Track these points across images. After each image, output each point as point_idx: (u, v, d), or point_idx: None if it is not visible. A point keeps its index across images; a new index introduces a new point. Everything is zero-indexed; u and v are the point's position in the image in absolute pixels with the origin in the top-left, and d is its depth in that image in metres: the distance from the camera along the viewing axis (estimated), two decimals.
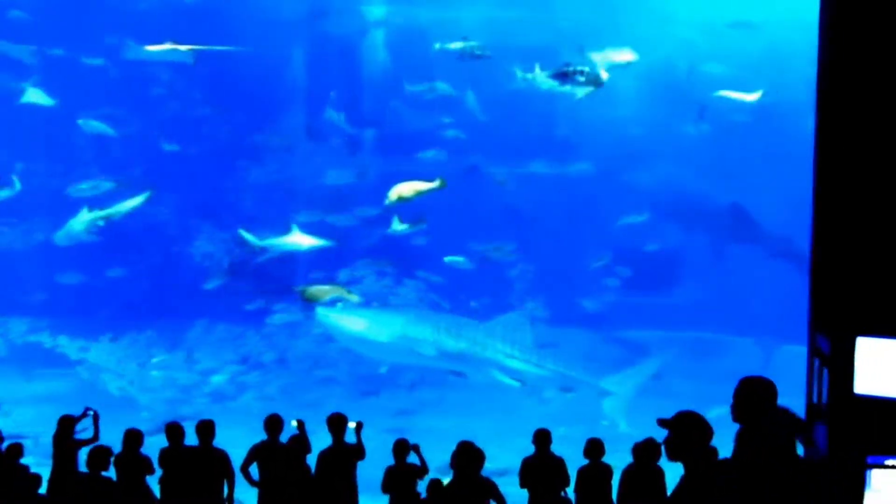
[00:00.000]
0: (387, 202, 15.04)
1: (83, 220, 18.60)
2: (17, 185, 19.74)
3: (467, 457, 8.40)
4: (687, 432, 5.95)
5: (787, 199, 20.12)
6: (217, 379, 19.32)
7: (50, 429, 9.95)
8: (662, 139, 21.63)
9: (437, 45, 18.48)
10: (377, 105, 22.31)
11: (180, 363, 19.70)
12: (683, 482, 6.03)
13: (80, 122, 19.69)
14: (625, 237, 21.32)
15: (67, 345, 19.73)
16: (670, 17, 21.66)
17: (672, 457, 6.01)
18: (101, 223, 18.66)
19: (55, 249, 19.54)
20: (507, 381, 16.92)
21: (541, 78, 16.69)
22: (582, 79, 16.52)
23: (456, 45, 18.38)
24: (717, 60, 20.90)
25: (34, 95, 19.36)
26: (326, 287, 15.88)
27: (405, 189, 14.80)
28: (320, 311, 17.73)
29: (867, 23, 8.96)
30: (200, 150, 21.50)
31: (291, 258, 20.48)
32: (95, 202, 19.02)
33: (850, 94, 9.00)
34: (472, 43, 18.35)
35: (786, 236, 21.65)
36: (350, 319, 17.26)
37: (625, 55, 17.88)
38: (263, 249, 17.22)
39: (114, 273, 20.60)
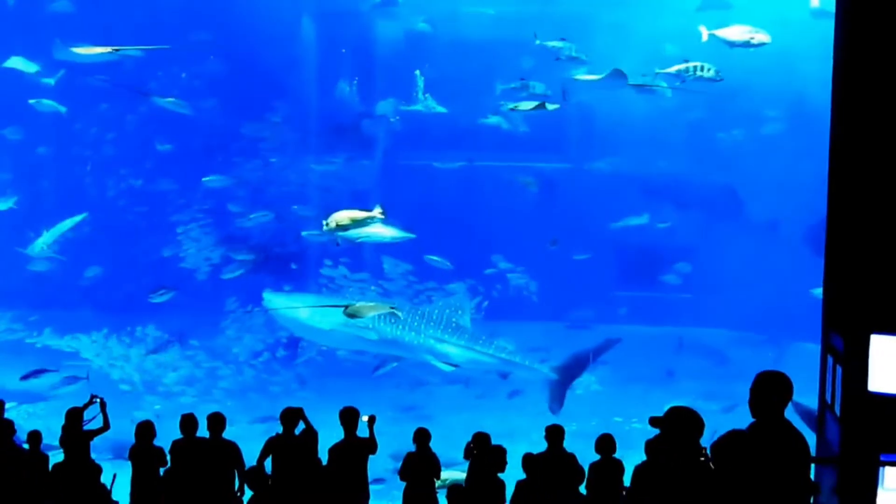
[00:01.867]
0: (325, 228, 15.07)
1: (41, 242, 19.23)
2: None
3: (484, 446, 8.58)
4: (676, 428, 5.96)
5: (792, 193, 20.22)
6: (184, 373, 19.51)
7: (55, 421, 9.94)
8: (680, 137, 21.55)
9: (537, 42, 18.42)
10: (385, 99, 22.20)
11: (168, 358, 19.76)
12: (672, 476, 6.04)
13: (31, 101, 19.60)
14: (631, 233, 21.26)
15: (56, 340, 19.75)
16: (680, 11, 21.55)
17: (668, 452, 6.03)
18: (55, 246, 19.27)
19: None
20: (441, 365, 17.05)
21: (661, 79, 16.95)
22: (701, 74, 16.60)
23: (554, 44, 18.32)
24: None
25: (16, 63, 19.28)
26: (371, 303, 15.89)
27: (342, 217, 14.85)
28: (266, 297, 17.79)
29: (884, 25, 8.95)
30: (194, 147, 21.45)
31: (280, 256, 20.60)
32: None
33: (865, 95, 9.00)
34: (572, 45, 18.32)
35: (772, 222, 21.68)
36: (293, 305, 17.52)
37: (760, 36, 17.57)
38: (346, 240, 17.12)
39: (92, 272, 20.52)
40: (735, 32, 17.35)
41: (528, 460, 9.03)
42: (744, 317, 20.68)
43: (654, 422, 6.35)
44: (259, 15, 21.80)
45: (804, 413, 10.04)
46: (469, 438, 9.38)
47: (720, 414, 14.99)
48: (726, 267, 21.33)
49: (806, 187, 16.46)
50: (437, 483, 9.63)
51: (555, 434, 9.35)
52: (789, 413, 6.03)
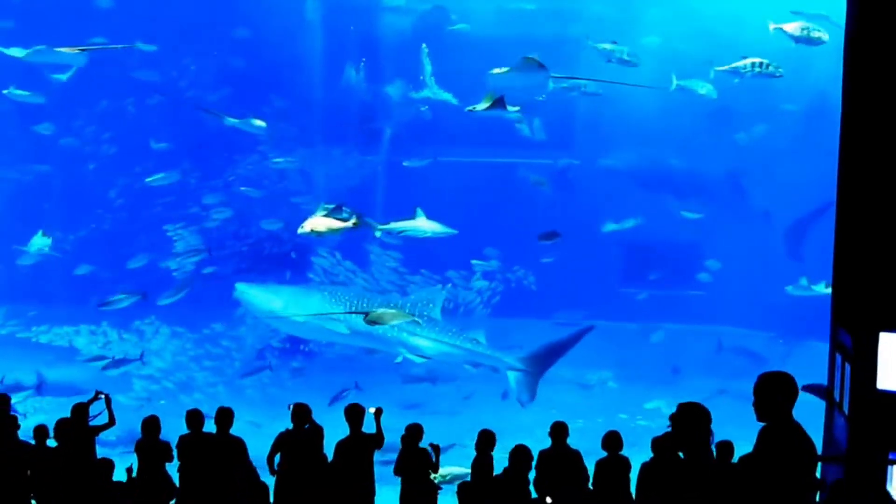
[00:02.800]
0: (299, 231, 15.03)
1: (36, 244, 19.33)
2: None
3: (489, 442, 8.89)
4: (685, 425, 5.96)
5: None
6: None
7: (61, 415, 9.90)
8: (685, 134, 21.51)
9: (589, 43, 18.38)
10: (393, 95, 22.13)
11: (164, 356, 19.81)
12: (682, 472, 6.04)
13: (4, 91, 19.50)
14: (641, 230, 21.19)
15: (56, 332, 19.77)
16: (685, 5, 21.53)
17: (678, 448, 6.05)
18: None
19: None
20: (413, 357, 17.09)
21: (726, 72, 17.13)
22: (758, 70, 16.60)
23: (605, 46, 18.27)
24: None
25: (15, 52, 19.28)
26: (392, 311, 15.87)
27: (319, 224, 14.77)
28: (239, 287, 17.90)
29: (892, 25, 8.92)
30: (194, 143, 21.44)
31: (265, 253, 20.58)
32: None
33: (875, 95, 8.97)
34: (623, 48, 18.28)
35: (781, 218, 21.68)
36: (267, 297, 17.56)
37: (819, 33, 17.53)
38: (387, 233, 17.17)
39: (93, 269, 20.46)
40: (797, 28, 17.31)
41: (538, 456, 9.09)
42: (752, 314, 20.62)
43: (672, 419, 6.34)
44: (266, 10, 21.84)
45: (814, 389, 9.99)
46: (474, 436, 9.37)
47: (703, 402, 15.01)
48: (734, 264, 21.31)
49: (815, 184, 16.41)
50: (438, 478, 9.62)
51: (559, 431, 9.32)
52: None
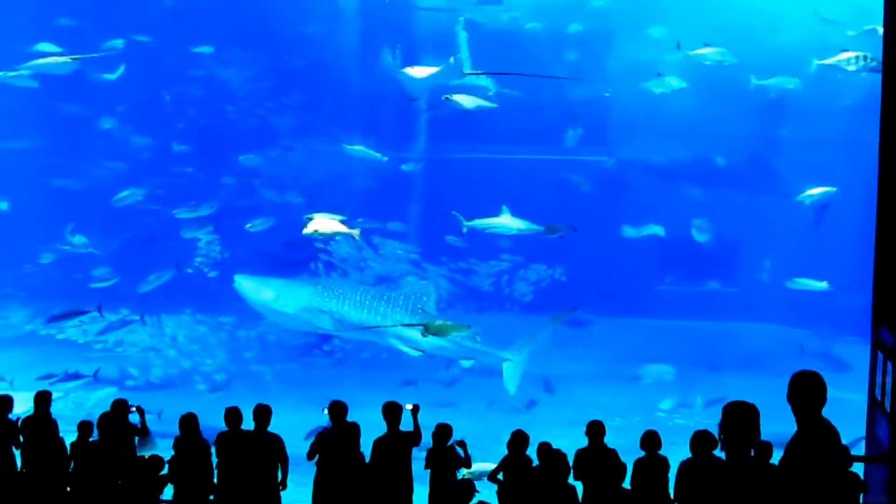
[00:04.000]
0: (304, 232, 15.37)
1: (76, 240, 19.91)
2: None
3: (522, 443, 9.02)
4: (737, 423, 5.96)
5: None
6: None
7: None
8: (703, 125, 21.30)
9: (678, 48, 18.45)
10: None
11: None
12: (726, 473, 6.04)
13: None
14: (676, 226, 21.02)
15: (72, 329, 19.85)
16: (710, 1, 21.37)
17: (724, 448, 6.08)
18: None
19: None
20: (408, 350, 17.07)
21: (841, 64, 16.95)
22: (862, 63, 16.47)
23: (702, 52, 18.33)
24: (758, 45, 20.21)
25: (44, 47, 19.45)
26: (450, 323, 16.01)
27: (323, 226, 15.15)
28: (237, 279, 18.07)
29: None
30: (216, 139, 21.53)
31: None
32: None
33: None
34: (717, 50, 18.26)
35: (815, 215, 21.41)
36: (261, 289, 17.72)
37: None
38: (472, 229, 17.70)
39: (99, 272, 20.43)
40: None
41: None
42: (787, 311, 20.39)
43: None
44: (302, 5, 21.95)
45: None
46: (507, 435, 9.36)
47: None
48: (768, 258, 21.13)
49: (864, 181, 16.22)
50: (466, 473, 9.65)
51: (596, 430, 9.29)
52: None
